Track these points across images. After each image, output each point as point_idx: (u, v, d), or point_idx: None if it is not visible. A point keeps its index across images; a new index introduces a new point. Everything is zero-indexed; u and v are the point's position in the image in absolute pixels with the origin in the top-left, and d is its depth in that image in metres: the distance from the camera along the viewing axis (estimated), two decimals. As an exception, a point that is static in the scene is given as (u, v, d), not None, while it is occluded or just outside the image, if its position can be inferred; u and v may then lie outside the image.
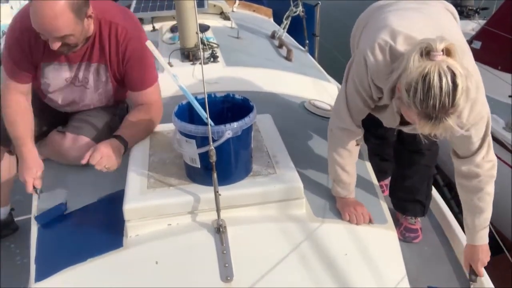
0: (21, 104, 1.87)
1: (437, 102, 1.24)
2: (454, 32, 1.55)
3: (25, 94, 1.90)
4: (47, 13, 1.58)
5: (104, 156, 1.67)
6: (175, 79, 1.55)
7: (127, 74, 1.89)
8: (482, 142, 1.52)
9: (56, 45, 1.67)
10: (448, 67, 1.23)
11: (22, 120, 1.84)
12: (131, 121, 1.86)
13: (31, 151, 1.78)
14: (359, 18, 1.87)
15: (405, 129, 1.68)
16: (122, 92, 2.04)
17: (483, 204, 1.61)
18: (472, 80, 1.33)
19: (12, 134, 1.83)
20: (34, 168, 1.73)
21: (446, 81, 1.22)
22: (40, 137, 2.04)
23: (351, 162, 1.70)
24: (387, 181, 2.36)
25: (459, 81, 1.23)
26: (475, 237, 1.68)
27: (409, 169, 2.09)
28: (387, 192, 2.29)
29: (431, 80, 1.23)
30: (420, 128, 1.32)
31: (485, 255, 1.69)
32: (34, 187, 1.72)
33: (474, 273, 1.70)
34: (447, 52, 1.27)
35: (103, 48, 1.83)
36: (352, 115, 1.62)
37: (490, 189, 1.59)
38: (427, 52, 1.27)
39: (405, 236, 2.11)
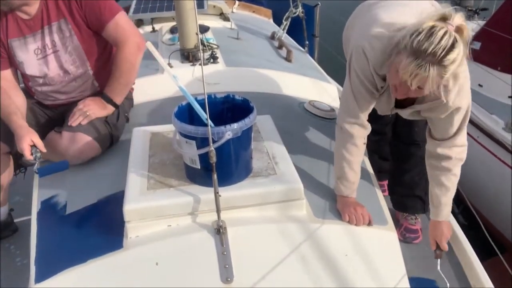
0: (3, 87, 1.92)
1: (431, 47, 1.32)
2: None
3: (8, 80, 1.96)
4: None
5: (86, 102, 1.93)
6: (175, 80, 1.55)
7: (87, 15, 1.93)
8: (460, 126, 1.62)
9: None
10: (455, 35, 1.32)
11: (5, 100, 1.88)
12: (111, 74, 2.00)
13: (20, 124, 1.81)
14: (350, 19, 1.97)
15: (403, 113, 1.74)
16: (95, 49, 2.05)
17: (449, 184, 1.71)
18: (464, 69, 1.42)
19: (2, 116, 1.87)
20: (26, 135, 1.76)
21: (448, 39, 1.32)
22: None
23: (358, 160, 1.74)
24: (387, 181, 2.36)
25: (456, 49, 1.33)
26: (441, 214, 1.76)
27: (407, 162, 2.11)
28: (387, 193, 2.29)
29: (436, 30, 1.32)
30: (402, 69, 1.38)
31: (448, 231, 1.78)
32: (32, 154, 1.74)
33: (439, 248, 1.80)
34: (459, 30, 1.35)
35: (57, 3, 1.89)
36: (360, 108, 1.68)
37: (457, 171, 1.70)
38: (443, 17, 1.35)
39: (406, 236, 2.11)
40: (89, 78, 2.06)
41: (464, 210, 4.52)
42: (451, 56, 1.32)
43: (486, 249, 2.36)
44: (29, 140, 1.74)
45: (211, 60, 2.84)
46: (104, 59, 2.08)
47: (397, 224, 2.13)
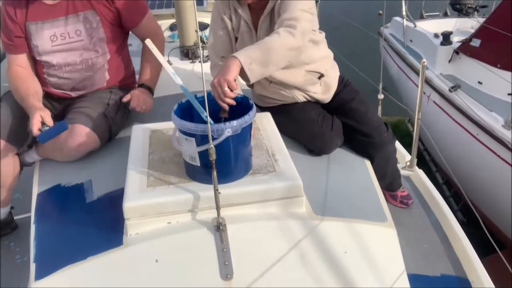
0: (19, 72, 1.97)
1: None
2: None
3: (24, 66, 2.00)
4: None
5: (140, 99, 1.97)
6: (175, 78, 1.55)
7: (122, 12, 1.99)
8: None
9: None
10: None
11: (22, 84, 1.93)
12: (144, 66, 2.13)
13: (34, 104, 1.85)
14: None
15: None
16: (116, 43, 2.11)
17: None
18: None
19: (18, 99, 1.92)
20: (38, 112, 1.79)
21: None
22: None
23: None
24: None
25: None
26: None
27: (368, 152, 2.08)
28: None
29: None
30: None
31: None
32: (40, 129, 1.77)
33: None
34: None
35: None
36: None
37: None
38: None
39: (405, 202, 2.25)
40: (103, 70, 2.10)
41: (464, 207, 4.54)
42: None
43: (486, 247, 2.37)
44: (39, 116, 1.78)
45: (211, 58, 2.83)
46: (119, 53, 2.14)
47: (393, 198, 2.27)
